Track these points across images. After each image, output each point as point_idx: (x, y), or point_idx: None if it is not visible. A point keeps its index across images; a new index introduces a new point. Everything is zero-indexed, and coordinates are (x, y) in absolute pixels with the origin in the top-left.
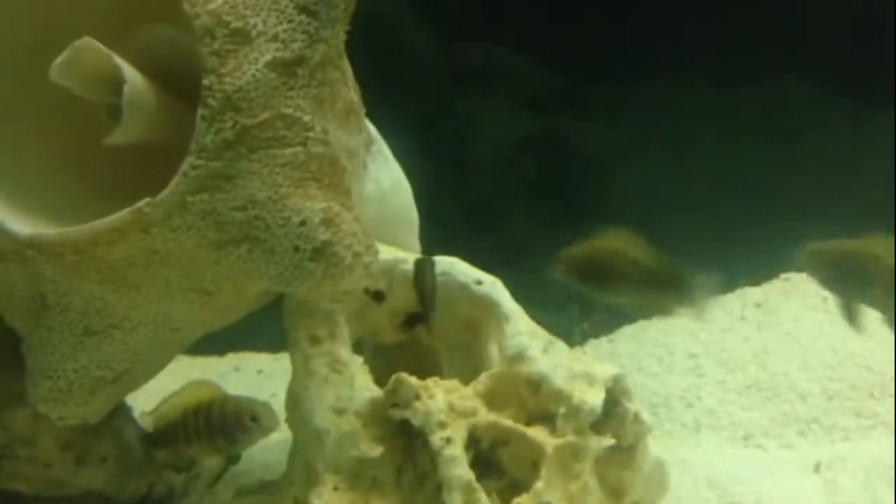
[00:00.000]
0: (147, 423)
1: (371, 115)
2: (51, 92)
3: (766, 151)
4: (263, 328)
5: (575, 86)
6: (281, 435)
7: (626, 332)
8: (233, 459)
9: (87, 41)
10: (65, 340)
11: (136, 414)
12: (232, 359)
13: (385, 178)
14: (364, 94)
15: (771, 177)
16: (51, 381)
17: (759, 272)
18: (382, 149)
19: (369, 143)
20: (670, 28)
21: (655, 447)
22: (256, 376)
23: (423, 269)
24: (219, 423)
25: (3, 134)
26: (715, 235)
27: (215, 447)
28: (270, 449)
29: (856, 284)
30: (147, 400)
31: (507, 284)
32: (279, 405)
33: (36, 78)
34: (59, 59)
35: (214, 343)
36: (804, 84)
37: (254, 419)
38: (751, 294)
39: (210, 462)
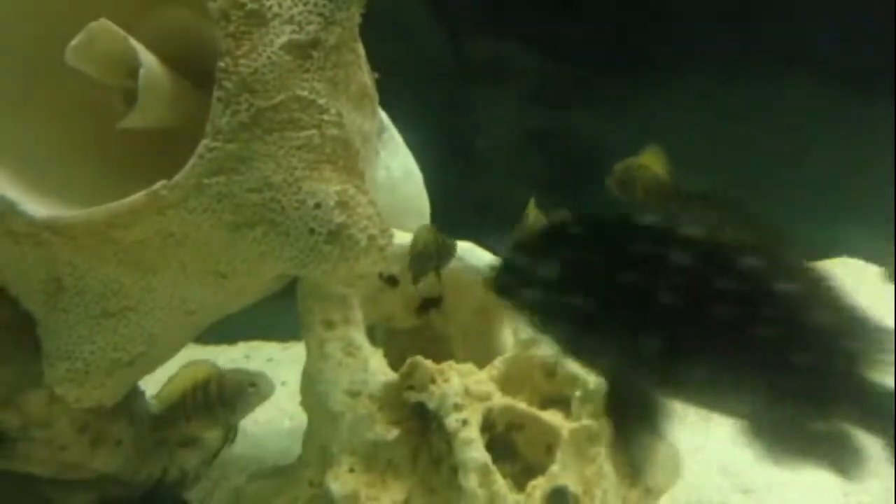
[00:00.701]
0: (153, 407)
1: (382, 108)
2: (66, 76)
3: (769, 145)
4: (274, 317)
5: (584, 80)
6: (293, 423)
7: None
8: (231, 434)
9: (103, 23)
10: (81, 322)
11: (148, 399)
12: (242, 347)
13: (396, 166)
14: (375, 84)
15: (777, 169)
16: (67, 362)
17: None
18: (394, 136)
19: (381, 130)
20: (681, 24)
21: (669, 436)
22: (266, 364)
23: (418, 233)
24: (217, 395)
25: (19, 118)
26: None
27: (215, 418)
28: (283, 436)
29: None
30: (157, 385)
31: None
32: (289, 393)
33: (51, 62)
34: (74, 42)
35: (225, 332)
36: (807, 80)
37: (252, 385)
38: None
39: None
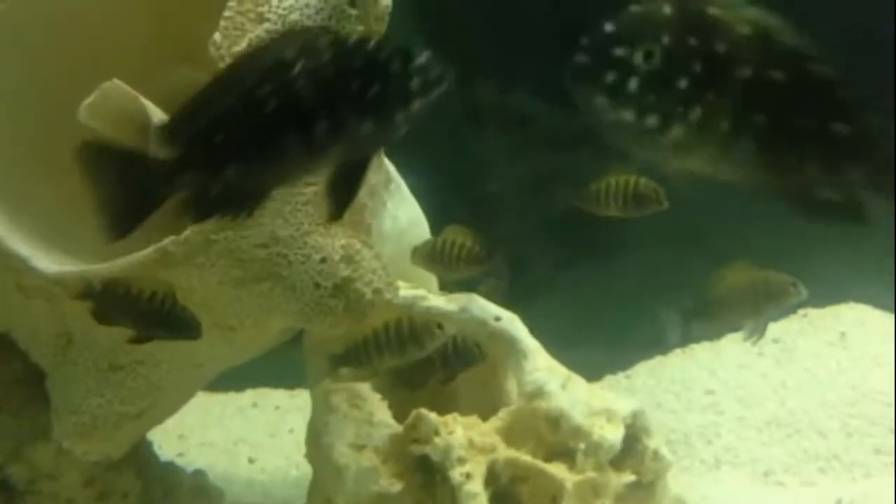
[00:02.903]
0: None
1: (388, 155)
2: (79, 132)
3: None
4: (281, 365)
5: (591, 124)
6: (299, 472)
7: (644, 367)
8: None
9: (115, 83)
10: (90, 376)
11: (156, 449)
12: (250, 395)
13: (403, 216)
14: None
15: (783, 218)
16: (75, 416)
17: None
18: (400, 186)
19: (387, 181)
20: None
21: (675, 483)
22: (274, 412)
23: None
24: (409, 332)
25: (32, 174)
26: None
27: (404, 353)
28: (290, 485)
29: None
30: (164, 436)
31: (524, 322)
32: (297, 441)
33: (64, 119)
34: (87, 101)
35: (233, 379)
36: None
37: (439, 327)
38: (769, 330)
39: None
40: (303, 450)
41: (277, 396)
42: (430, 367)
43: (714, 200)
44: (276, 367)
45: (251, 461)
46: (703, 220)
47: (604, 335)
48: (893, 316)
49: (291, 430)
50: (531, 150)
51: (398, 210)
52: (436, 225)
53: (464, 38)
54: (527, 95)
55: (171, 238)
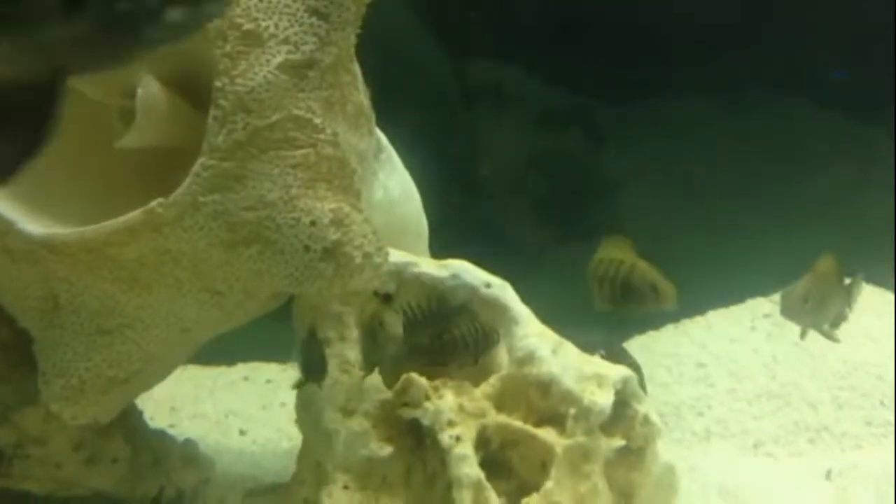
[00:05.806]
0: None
1: (382, 132)
2: (68, 96)
3: (773, 170)
4: (273, 339)
5: (585, 105)
6: (292, 443)
7: (636, 342)
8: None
9: None
10: (77, 339)
11: (147, 420)
12: (241, 368)
13: (394, 186)
14: (375, 109)
15: (779, 194)
16: (63, 379)
17: (769, 283)
18: (392, 157)
19: (378, 150)
20: (681, 50)
21: (666, 455)
22: (266, 385)
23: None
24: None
25: None
26: (725, 248)
27: None
28: (281, 456)
29: None
30: (156, 408)
31: None
32: (288, 413)
33: None
34: None
35: (224, 353)
36: (811, 107)
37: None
38: (760, 305)
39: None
40: (294, 423)
41: (269, 370)
42: (454, 349)
43: (701, 185)
44: (267, 342)
45: (242, 433)
46: (692, 201)
47: (596, 312)
48: (885, 291)
49: (283, 404)
50: (525, 130)
51: (389, 180)
52: (427, 202)
53: (460, 17)
54: (522, 75)
55: (159, 200)
